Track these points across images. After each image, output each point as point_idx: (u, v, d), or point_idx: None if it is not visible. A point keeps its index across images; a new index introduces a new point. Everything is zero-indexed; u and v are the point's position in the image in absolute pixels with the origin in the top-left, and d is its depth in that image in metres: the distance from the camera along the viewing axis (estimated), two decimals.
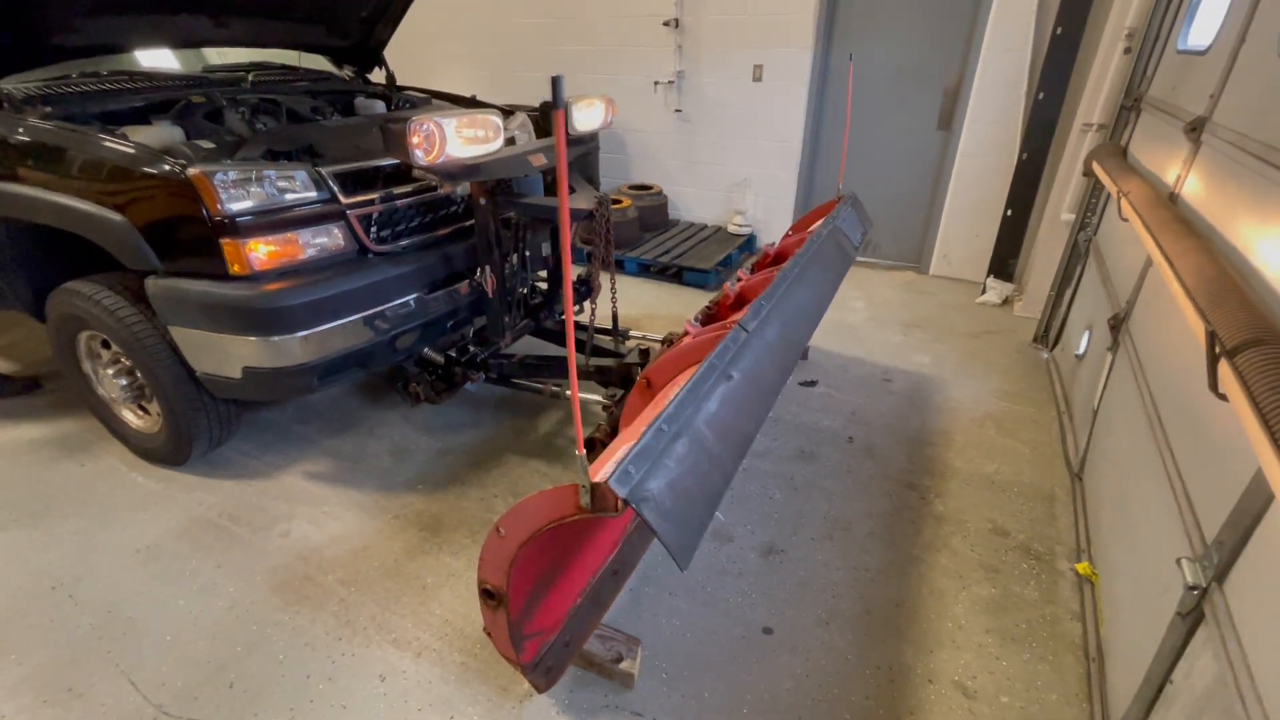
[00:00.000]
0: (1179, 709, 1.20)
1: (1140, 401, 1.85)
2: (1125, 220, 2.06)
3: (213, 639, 1.85)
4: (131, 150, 1.96)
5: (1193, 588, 1.18)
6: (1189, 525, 1.33)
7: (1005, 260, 4.34)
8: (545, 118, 2.61)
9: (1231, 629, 1.08)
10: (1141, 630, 1.44)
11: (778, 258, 2.62)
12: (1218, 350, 1.06)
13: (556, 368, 2.62)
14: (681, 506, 1.18)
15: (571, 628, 1.66)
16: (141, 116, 2.43)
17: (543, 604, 1.57)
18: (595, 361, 2.62)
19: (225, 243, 1.88)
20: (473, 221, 2.34)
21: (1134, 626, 1.54)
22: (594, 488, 1.11)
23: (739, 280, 2.34)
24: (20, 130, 2.11)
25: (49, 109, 2.21)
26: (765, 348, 1.72)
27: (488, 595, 1.39)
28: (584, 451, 1.12)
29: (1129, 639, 1.55)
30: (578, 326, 2.90)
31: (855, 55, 4.52)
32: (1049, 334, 3.60)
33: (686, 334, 1.88)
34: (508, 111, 2.93)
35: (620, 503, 1.10)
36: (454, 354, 2.52)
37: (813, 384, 3.23)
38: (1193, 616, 1.20)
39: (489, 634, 1.49)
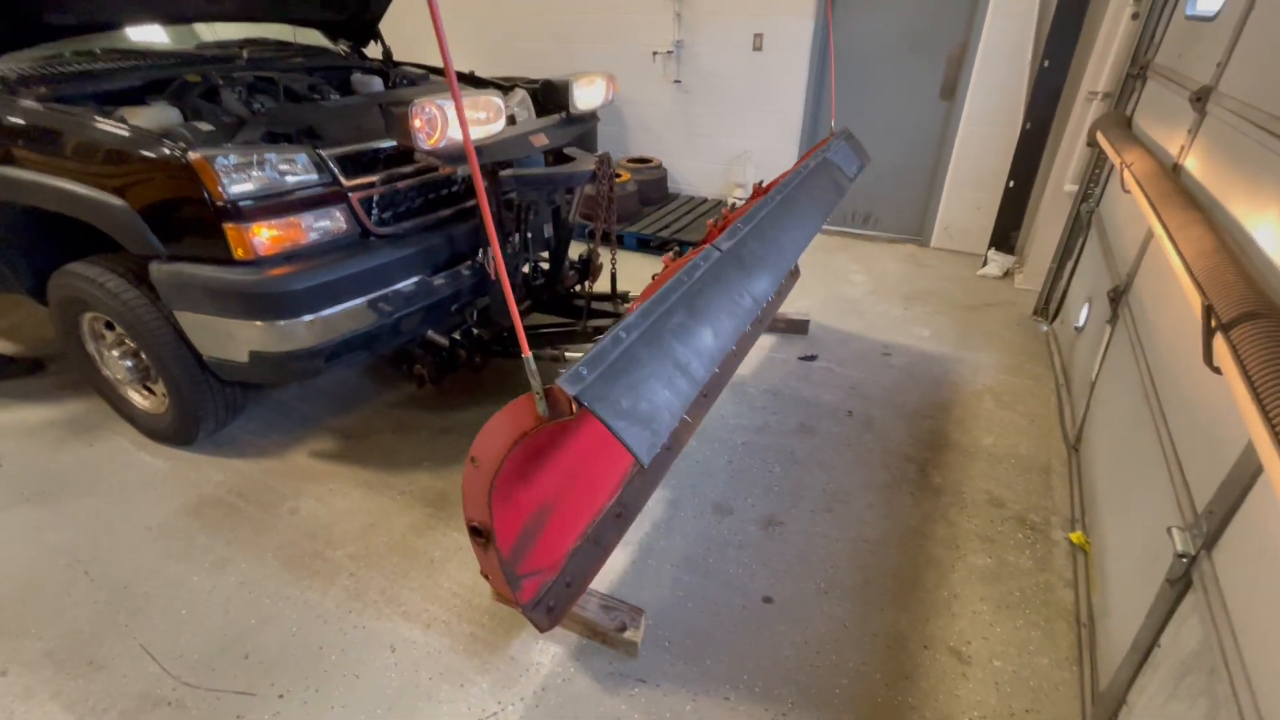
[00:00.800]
0: (1166, 671, 1.24)
1: (1137, 374, 1.86)
2: (1128, 192, 2.05)
3: (226, 613, 1.90)
4: (131, 134, 1.94)
5: (1182, 555, 1.21)
6: (1180, 495, 1.36)
7: (1007, 232, 4.32)
8: (545, 93, 2.58)
9: (1219, 595, 1.11)
10: (1132, 596, 1.48)
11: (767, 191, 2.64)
12: (1213, 324, 1.07)
13: (557, 336, 2.66)
14: (640, 405, 1.17)
15: (573, 569, 1.67)
16: (137, 96, 2.40)
17: (538, 543, 1.58)
18: (594, 323, 2.65)
19: (228, 227, 1.88)
20: (474, 202, 2.33)
21: (1125, 593, 1.58)
22: (547, 393, 1.11)
23: (724, 215, 2.35)
24: (17, 113, 2.09)
25: (44, 90, 2.18)
26: (739, 264, 1.72)
27: (476, 533, 1.38)
28: (530, 353, 1.12)
29: (1119, 605, 1.60)
30: (579, 296, 2.90)
31: (856, 22, 4.43)
32: (1049, 307, 3.60)
33: (666, 267, 1.89)
34: (507, 87, 2.89)
35: (574, 404, 1.09)
36: (458, 336, 2.54)
37: (813, 358, 3.24)
38: (1181, 583, 1.24)
39: (486, 576, 1.49)
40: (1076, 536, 2.10)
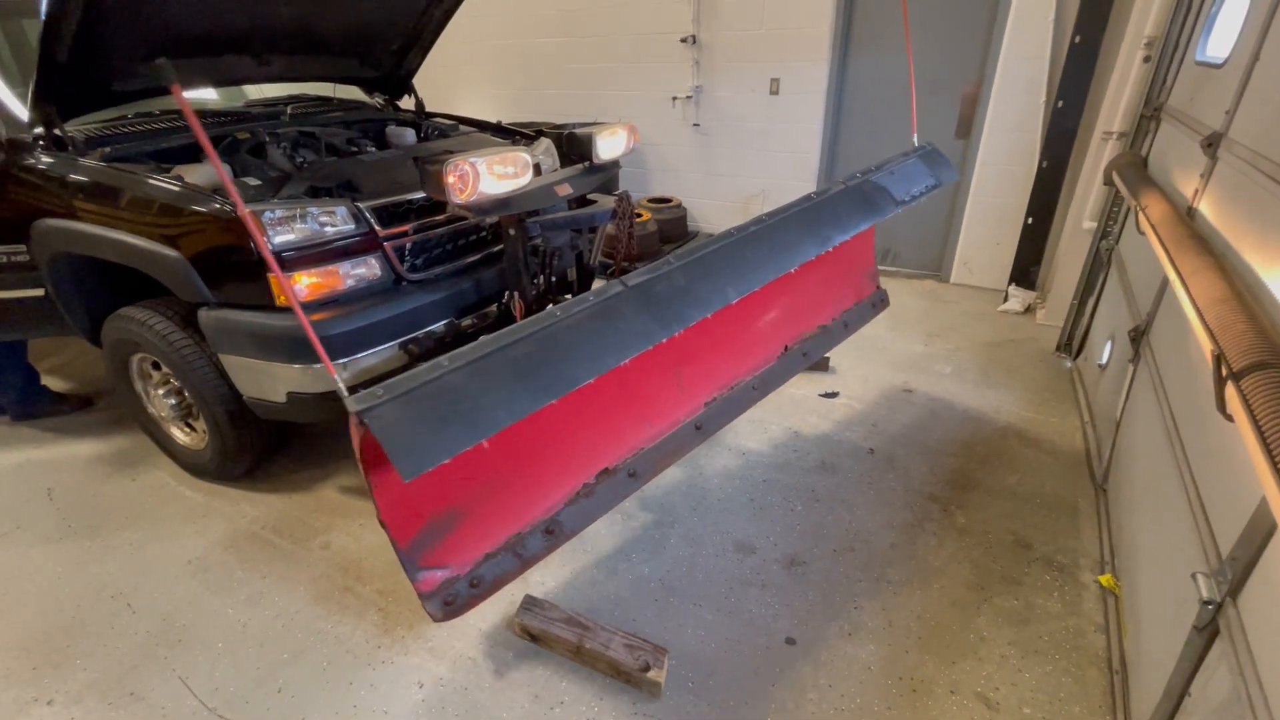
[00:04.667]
0: None
1: (1160, 415, 1.86)
2: (1143, 234, 2.08)
3: (261, 646, 1.95)
4: (185, 190, 2.09)
5: (1208, 602, 1.21)
6: (1205, 540, 1.35)
7: (1027, 268, 4.32)
8: (569, 143, 2.70)
9: (1244, 643, 1.10)
10: (1162, 643, 1.46)
11: None
12: (1224, 373, 1.09)
13: None
14: (423, 428, 1.20)
15: (483, 572, 1.68)
16: (191, 154, 2.58)
17: (445, 541, 1.63)
18: None
19: (273, 276, 1.99)
20: (501, 247, 2.44)
21: (1155, 639, 1.56)
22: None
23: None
24: (82, 171, 2.26)
25: (108, 149, 2.36)
26: (645, 302, 1.62)
27: (383, 525, 1.48)
28: (336, 374, 1.21)
29: (1150, 651, 1.57)
30: None
31: (872, 66, 4.56)
32: (1072, 343, 3.58)
33: None
34: (532, 136, 3.03)
35: (360, 419, 1.16)
36: None
37: (834, 395, 3.26)
38: (1208, 630, 1.23)
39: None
40: (1106, 579, 2.07)
